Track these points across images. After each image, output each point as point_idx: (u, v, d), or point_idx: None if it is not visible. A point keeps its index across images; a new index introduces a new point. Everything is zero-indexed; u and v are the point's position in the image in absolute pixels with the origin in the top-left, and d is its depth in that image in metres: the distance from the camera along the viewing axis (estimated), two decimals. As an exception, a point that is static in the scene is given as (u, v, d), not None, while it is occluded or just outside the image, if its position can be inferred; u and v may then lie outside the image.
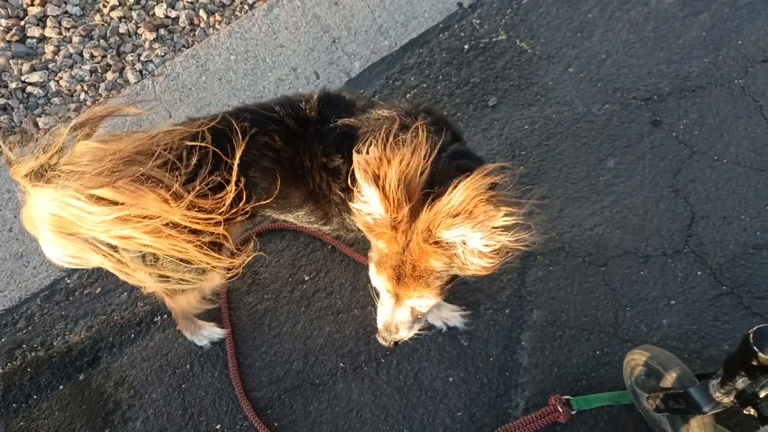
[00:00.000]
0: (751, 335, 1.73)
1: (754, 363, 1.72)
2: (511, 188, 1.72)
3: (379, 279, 1.92)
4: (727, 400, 1.90)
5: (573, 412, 2.42)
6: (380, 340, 2.10)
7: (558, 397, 2.45)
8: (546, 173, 3.05)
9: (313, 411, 2.56)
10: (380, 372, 2.63)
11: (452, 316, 2.67)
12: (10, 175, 2.93)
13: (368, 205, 1.72)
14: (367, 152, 1.69)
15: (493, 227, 1.59)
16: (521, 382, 2.57)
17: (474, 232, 1.58)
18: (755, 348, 1.70)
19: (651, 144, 3.11)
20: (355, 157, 1.69)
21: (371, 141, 1.72)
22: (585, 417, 2.47)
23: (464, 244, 1.65)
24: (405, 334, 2.06)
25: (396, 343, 2.09)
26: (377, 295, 2.11)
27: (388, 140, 1.68)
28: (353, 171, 1.70)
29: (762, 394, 1.73)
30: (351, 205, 1.80)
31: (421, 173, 1.66)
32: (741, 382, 1.80)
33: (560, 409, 2.41)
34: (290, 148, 1.98)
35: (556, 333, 2.66)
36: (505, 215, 1.58)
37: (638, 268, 2.79)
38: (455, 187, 1.59)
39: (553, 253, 2.85)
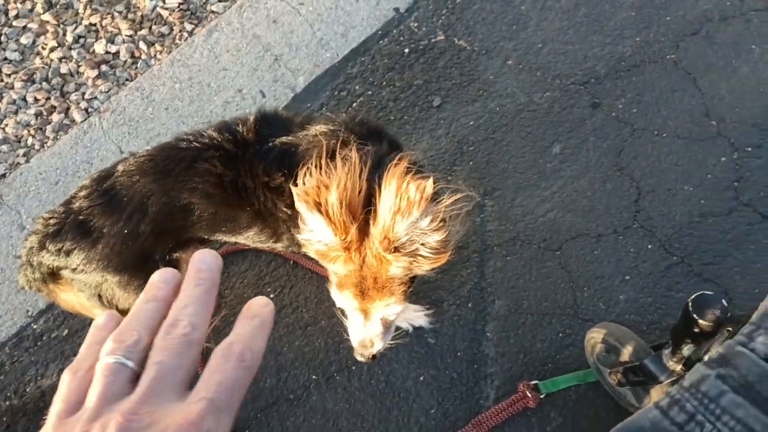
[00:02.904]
0: (690, 304, 1.81)
1: (696, 330, 1.80)
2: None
3: (343, 300, 1.96)
4: (679, 368, 1.98)
5: (542, 396, 2.49)
6: (358, 357, 2.13)
7: (526, 383, 2.51)
8: (495, 165, 3.12)
9: (291, 426, 2.59)
10: (352, 379, 2.67)
11: (417, 317, 2.71)
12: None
13: (316, 233, 1.76)
14: (304, 183, 1.73)
15: (430, 198, 1.63)
16: (490, 373, 2.63)
17: (420, 213, 1.62)
18: (694, 315, 1.78)
19: (593, 126, 3.19)
20: (293, 190, 1.72)
21: (306, 169, 1.76)
22: (554, 399, 2.53)
23: (418, 229, 1.68)
24: (380, 345, 2.10)
25: (374, 357, 2.12)
26: (344, 315, 2.15)
27: (321, 164, 1.72)
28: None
29: (706, 358, 1.81)
30: (299, 237, 1.83)
31: (359, 192, 1.70)
32: (687, 350, 1.88)
33: (529, 395, 2.47)
34: (231, 171, 2.01)
35: (519, 320, 2.73)
36: (432, 181, 1.63)
37: (592, 248, 2.87)
38: (380, 189, 1.64)
39: (509, 243, 2.91)
